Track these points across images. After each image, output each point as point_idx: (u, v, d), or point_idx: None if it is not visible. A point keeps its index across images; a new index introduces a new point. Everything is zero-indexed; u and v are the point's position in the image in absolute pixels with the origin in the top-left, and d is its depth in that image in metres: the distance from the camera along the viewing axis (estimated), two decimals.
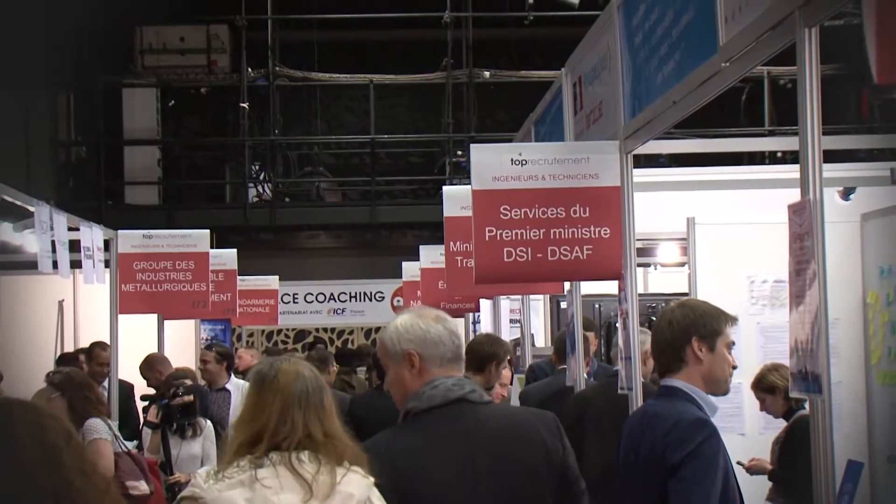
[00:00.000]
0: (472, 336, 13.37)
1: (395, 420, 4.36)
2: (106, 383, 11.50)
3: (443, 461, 4.30)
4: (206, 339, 15.85)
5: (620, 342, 6.26)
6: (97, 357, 12.05)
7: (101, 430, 8.50)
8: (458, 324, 14.07)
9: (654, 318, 11.21)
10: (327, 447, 4.09)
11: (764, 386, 7.37)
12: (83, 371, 9.58)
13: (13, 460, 2.80)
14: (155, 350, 12.46)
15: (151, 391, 11.14)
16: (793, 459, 7.22)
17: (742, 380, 7.04)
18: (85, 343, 13.05)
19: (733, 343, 4.75)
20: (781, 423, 7.47)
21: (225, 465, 4.07)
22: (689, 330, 4.66)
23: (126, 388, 12.32)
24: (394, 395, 4.53)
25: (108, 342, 11.80)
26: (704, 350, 4.65)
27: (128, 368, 12.49)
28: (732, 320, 4.74)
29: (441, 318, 4.61)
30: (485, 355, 7.38)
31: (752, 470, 7.52)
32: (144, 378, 11.54)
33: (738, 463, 6.85)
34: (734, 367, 4.83)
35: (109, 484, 2.97)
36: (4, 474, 2.78)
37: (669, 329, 4.73)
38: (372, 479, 4.08)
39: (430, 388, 4.35)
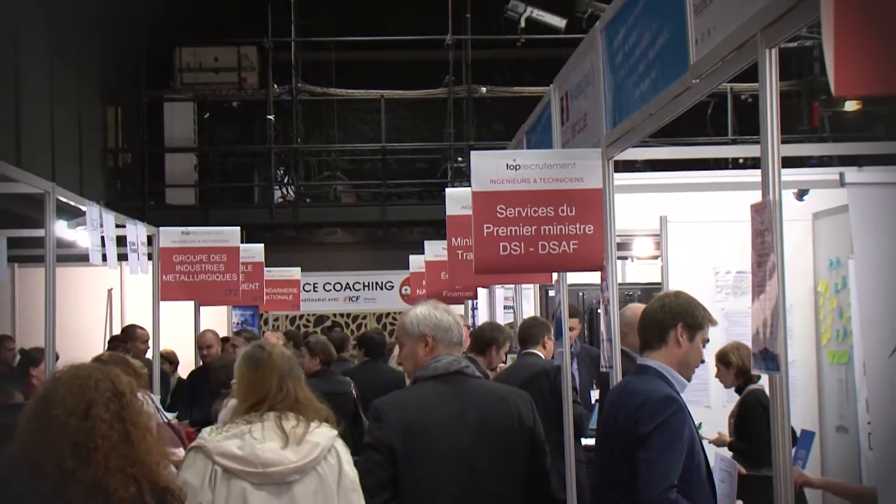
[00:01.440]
0: (470, 320, 13.41)
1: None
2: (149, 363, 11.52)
3: (441, 412, 4.95)
4: (237, 324, 15.87)
5: (602, 326, 6.25)
6: (139, 336, 12.08)
7: (145, 404, 8.51)
8: (458, 309, 14.10)
9: (628, 298, 11.30)
10: (306, 407, 4.71)
11: (723, 359, 7.39)
12: (120, 354, 9.59)
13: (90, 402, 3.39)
14: (192, 332, 12.48)
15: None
16: (747, 430, 7.24)
17: (708, 358, 7.03)
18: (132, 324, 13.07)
19: (708, 340, 4.78)
20: (737, 397, 7.49)
21: (227, 424, 4.68)
22: (678, 316, 4.70)
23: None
24: (406, 366, 5.33)
25: (149, 325, 11.82)
26: (685, 337, 4.68)
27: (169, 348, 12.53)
28: (713, 322, 4.78)
29: (450, 311, 5.30)
30: (487, 340, 8.22)
31: (716, 443, 7.53)
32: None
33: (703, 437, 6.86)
34: (702, 361, 4.85)
35: (151, 427, 3.57)
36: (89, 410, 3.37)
37: (661, 311, 4.78)
38: (335, 432, 4.74)
39: (435, 362, 5.05)
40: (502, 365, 8.63)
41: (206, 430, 4.75)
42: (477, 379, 5.22)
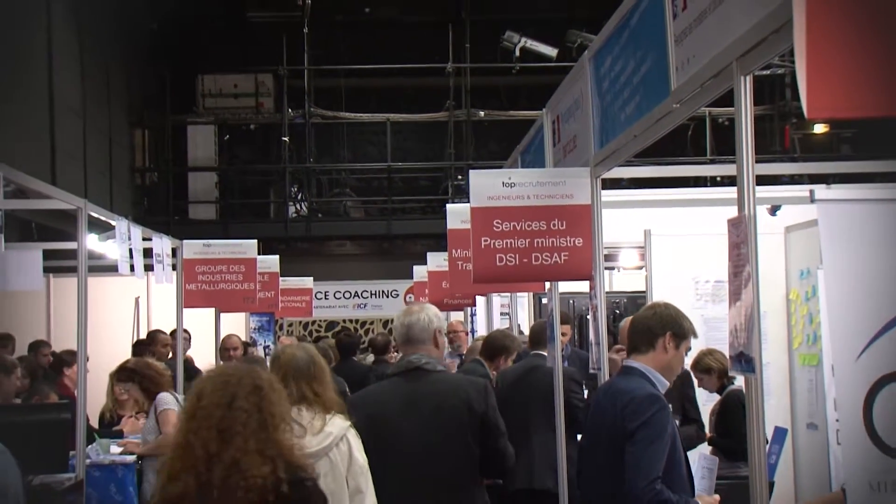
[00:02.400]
0: (469, 326, 13.41)
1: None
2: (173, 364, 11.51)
3: (398, 405, 5.34)
4: (254, 329, 15.85)
5: (591, 331, 6.25)
6: (161, 341, 12.08)
7: (170, 402, 8.49)
8: (458, 315, 14.10)
9: (617, 311, 11.29)
10: (317, 402, 4.97)
11: (701, 368, 7.38)
12: (144, 359, 9.62)
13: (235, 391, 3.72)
14: (212, 337, 12.47)
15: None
16: (727, 427, 7.23)
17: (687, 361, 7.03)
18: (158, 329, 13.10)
19: (690, 349, 4.78)
20: (717, 396, 7.47)
21: None
22: (667, 325, 4.71)
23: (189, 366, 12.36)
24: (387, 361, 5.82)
25: (172, 330, 11.83)
26: (672, 345, 4.67)
27: (191, 351, 12.52)
28: (695, 335, 4.81)
29: (421, 307, 5.70)
30: (498, 348, 8.32)
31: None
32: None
33: None
34: (682, 368, 4.86)
35: (287, 417, 3.86)
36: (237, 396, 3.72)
37: (653, 318, 4.79)
38: (349, 423, 4.97)
39: (400, 360, 5.56)
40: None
41: None
42: (436, 373, 5.47)
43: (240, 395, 3.73)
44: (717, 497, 5.12)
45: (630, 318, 7.12)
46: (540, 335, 8.27)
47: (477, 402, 5.36)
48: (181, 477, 3.60)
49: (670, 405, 4.67)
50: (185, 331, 12.70)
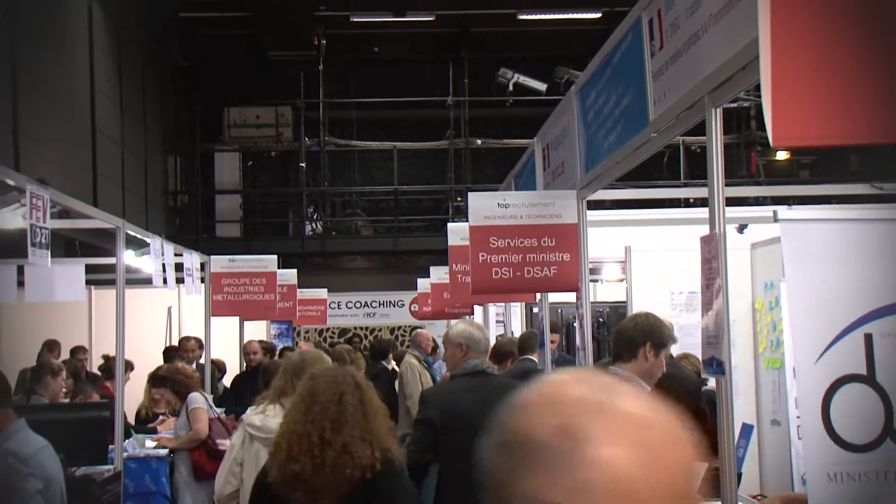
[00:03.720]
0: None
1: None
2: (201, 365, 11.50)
3: (468, 398, 5.56)
4: (275, 335, 15.87)
5: (577, 337, 6.25)
6: (189, 347, 12.09)
7: (200, 402, 8.50)
8: (455, 322, 14.08)
9: (601, 320, 11.28)
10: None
11: None
12: (174, 365, 9.67)
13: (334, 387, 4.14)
14: (237, 342, 12.47)
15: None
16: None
17: None
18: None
19: (669, 355, 4.75)
20: None
21: (257, 406, 5.64)
22: (647, 335, 4.67)
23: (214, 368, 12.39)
24: (448, 363, 6.25)
25: (200, 337, 11.84)
26: (652, 353, 4.64)
27: (217, 355, 12.51)
28: (674, 340, 4.78)
29: (482, 328, 6.23)
30: (504, 353, 8.46)
31: None
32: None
33: None
34: (663, 372, 4.84)
35: (380, 410, 4.21)
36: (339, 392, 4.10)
37: (634, 329, 4.75)
38: None
39: (467, 363, 5.84)
40: None
41: (249, 410, 5.76)
42: (495, 376, 6.12)
43: (347, 391, 4.13)
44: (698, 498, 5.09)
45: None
46: (527, 342, 8.33)
47: None
48: (300, 459, 3.97)
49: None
50: (221, 363, 12.72)
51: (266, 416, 5.45)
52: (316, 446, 3.97)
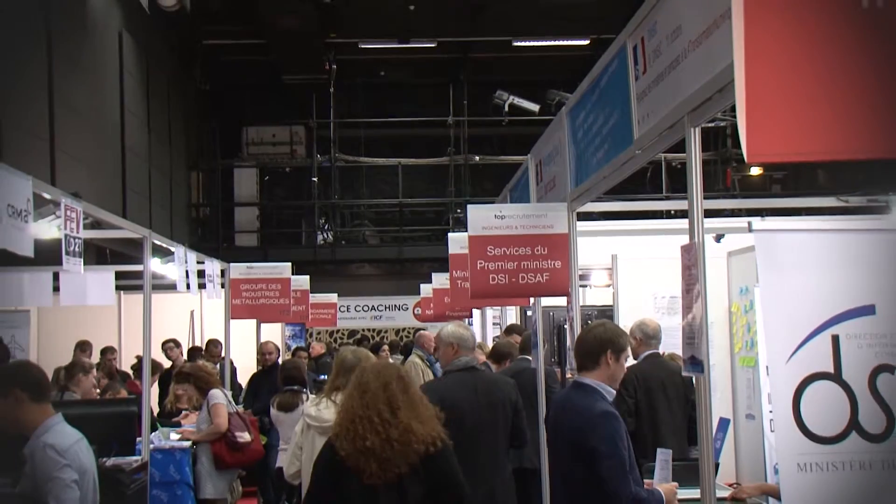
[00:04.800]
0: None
1: None
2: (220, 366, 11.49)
3: (460, 393, 5.96)
4: (289, 337, 15.86)
5: (568, 338, 6.25)
6: (211, 350, 12.09)
7: (220, 398, 8.50)
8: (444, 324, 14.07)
9: (589, 322, 11.25)
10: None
11: None
12: (197, 363, 9.70)
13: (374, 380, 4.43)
14: (254, 343, 12.47)
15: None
16: None
17: None
18: (209, 338, 13.11)
19: (628, 356, 4.69)
20: None
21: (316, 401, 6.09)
22: (606, 343, 4.58)
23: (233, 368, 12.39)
24: (441, 361, 6.41)
25: (222, 339, 11.83)
26: (613, 359, 4.57)
27: (236, 355, 12.52)
28: (631, 343, 4.71)
29: (468, 328, 6.55)
30: (503, 354, 8.48)
31: None
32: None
33: None
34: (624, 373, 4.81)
35: (422, 398, 4.51)
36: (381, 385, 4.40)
37: (594, 340, 4.64)
38: None
39: (458, 361, 6.17)
40: None
41: (309, 401, 6.40)
42: (483, 371, 6.44)
43: (391, 381, 4.42)
44: (675, 484, 5.04)
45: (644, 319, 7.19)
46: (527, 343, 8.33)
47: (512, 394, 6.19)
48: (367, 436, 4.25)
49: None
50: (197, 347, 12.71)
51: (320, 409, 5.95)
52: (379, 425, 4.26)
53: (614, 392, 4.66)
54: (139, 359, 11.71)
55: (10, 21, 11.26)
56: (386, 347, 15.34)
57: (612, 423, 4.41)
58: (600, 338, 4.63)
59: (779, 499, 4.39)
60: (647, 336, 7.02)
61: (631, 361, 6.64)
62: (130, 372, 12.06)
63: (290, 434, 8.65)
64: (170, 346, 12.30)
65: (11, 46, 11.25)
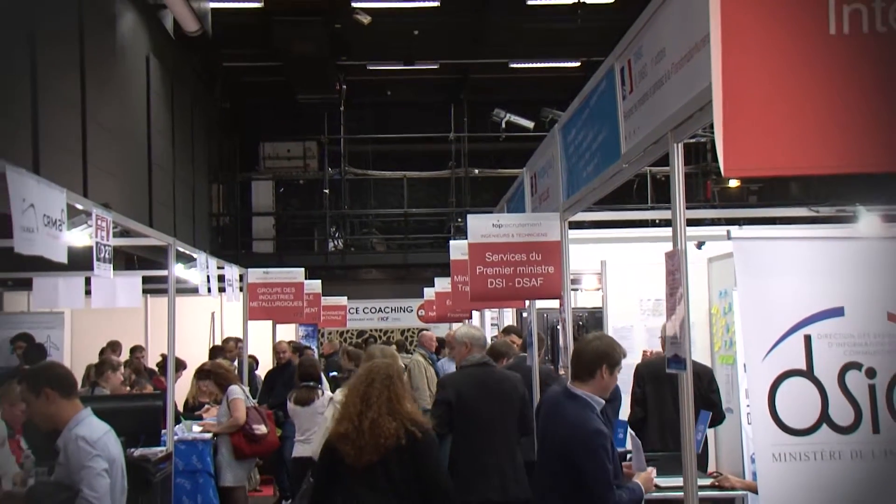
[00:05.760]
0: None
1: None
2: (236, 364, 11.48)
3: (474, 384, 6.18)
4: (302, 337, 15.85)
5: (561, 337, 6.26)
6: (228, 347, 12.09)
7: (238, 393, 8.51)
8: (458, 325, 14.08)
9: (580, 323, 11.25)
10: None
11: None
12: (217, 360, 9.72)
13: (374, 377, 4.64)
14: (269, 342, 12.47)
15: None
16: None
17: (633, 360, 6.98)
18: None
19: (620, 368, 4.61)
20: None
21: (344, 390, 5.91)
22: (602, 357, 4.43)
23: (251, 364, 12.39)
24: (456, 359, 6.68)
25: (241, 337, 11.84)
26: (606, 373, 4.46)
27: (253, 353, 12.51)
28: (625, 356, 4.63)
29: (479, 329, 7.03)
30: (500, 353, 8.31)
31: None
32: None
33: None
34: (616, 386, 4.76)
35: (405, 396, 4.65)
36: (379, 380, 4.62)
37: (591, 353, 4.50)
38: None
39: (471, 357, 6.40)
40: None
41: (336, 392, 6.91)
42: (493, 367, 6.55)
43: (377, 379, 4.61)
44: (651, 470, 4.99)
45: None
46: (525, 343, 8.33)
47: (519, 387, 6.32)
48: (343, 423, 4.53)
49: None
50: (237, 339, 12.65)
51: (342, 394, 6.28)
52: (354, 415, 4.50)
53: (603, 402, 4.57)
54: (163, 357, 11.73)
55: (46, 47, 11.31)
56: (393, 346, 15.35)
57: (601, 440, 4.32)
58: (598, 351, 4.49)
59: (757, 493, 4.38)
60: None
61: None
62: (156, 369, 12.07)
63: (306, 426, 8.68)
64: (283, 347, 12.20)
65: (48, 69, 11.30)
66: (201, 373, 9.13)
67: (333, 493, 4.54)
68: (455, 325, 13.94)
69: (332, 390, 9.21)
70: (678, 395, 6.06)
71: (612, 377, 4.50)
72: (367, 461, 4.43)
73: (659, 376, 6.85)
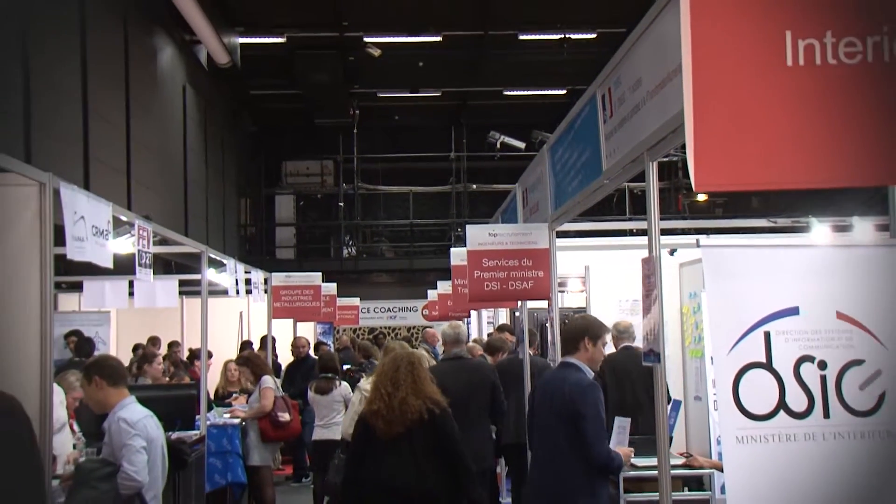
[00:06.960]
0: (468, 329, 13.37)
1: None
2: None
3: (451, 375, 6.30)
4: (320, 333, 15.84)
5: (549, 334, 6.25)
6: (298, 344, 11.98)
7: (270, 383, 8.51)
8: (459, 324, 14.05)
9: (566, 322, 11.22)
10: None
11: None
12: (254, 351, 9.71)
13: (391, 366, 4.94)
14: (291, 337, 12.46)
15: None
16: None
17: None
18: (253, 335, 13.11)
19: (606, 343, 4.74)
20: None
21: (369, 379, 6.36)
22: (583, 331, 4.63)
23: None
24: (443, 353, 6.92)
25: (262, 336, 11.82)
26: (590, 344, 4.60)
27: (278, 348, 12.50)
28: (608, 331, 4.75)
29: (457, 326, 6.96)
30: (495, 348, 8.40)
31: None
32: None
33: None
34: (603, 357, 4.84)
35: (426, 379, 4.93)
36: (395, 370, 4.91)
37: (573, 329, 4.72)
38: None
39: (448, 352, 6.78)
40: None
41: (362, 381, 7.22)
42: (469, 360, 6.84)
43: (402, 366, 4.89)
44: (630, 449, 5.08)
45: (619, 321, 7.21)
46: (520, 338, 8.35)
47: (490, 376, 6.64)
48: (375, 402, 4.81)
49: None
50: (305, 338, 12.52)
51: (369, 384, 6.15)
52: (385, 396, 4.78)
53: (592, 373, 4.67)
54: (191, 350, 11.74)
55: (96, 76, 11.36)
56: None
57: (596, 392, 4.48)
58: (579, 326, 4.71)
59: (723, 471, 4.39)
60: (619, 332, 7.05)
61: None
62: (189, 361, 12.05)
63: (325, 413, 8.67)
64: (301, 342, 11.98)
65: (96, 98, 11.34)
66: (241, 359, 9.24)
67: (366, 458, 4.79)
68: (441, 325, 13.94)
69: (345, 381, 9.19)
70: (635, 385, 6.13)
71: (597, 349, 4.67)
72: (395, 433, 4.72)
73: (617, 368, 6.90)
